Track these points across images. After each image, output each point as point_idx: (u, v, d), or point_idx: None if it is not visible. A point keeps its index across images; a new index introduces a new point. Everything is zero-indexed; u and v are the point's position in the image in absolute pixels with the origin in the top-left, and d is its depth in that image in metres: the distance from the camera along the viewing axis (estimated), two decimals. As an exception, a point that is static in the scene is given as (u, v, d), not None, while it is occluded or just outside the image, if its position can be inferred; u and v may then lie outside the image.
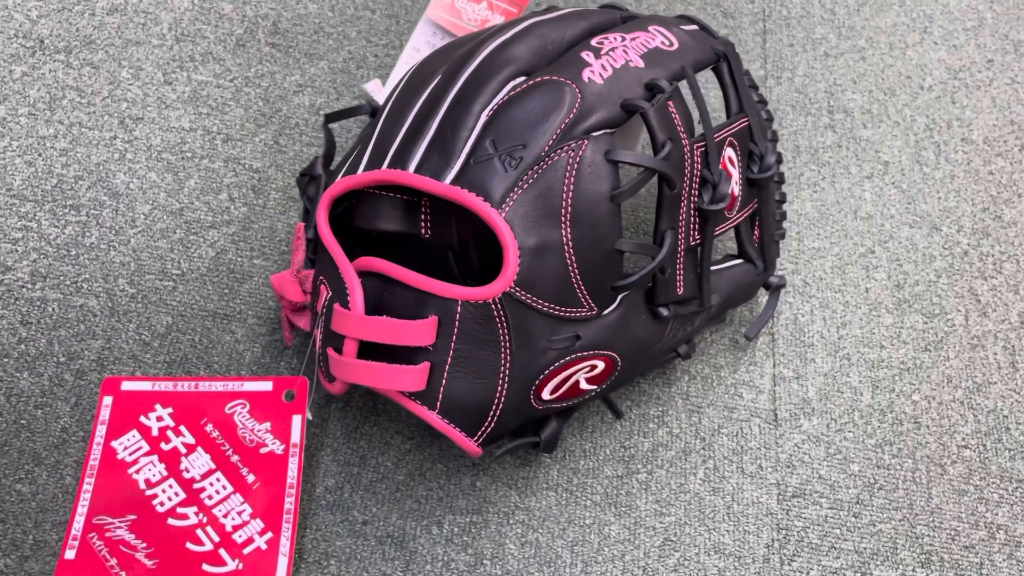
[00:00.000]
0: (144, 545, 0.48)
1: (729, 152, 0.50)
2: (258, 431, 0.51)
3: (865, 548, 0.52)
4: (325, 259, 0.47)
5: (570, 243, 0.43)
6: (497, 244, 0.54)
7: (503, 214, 0.42)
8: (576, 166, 0.43)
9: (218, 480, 0.49)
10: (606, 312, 0.46)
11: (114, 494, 0.49)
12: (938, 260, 0.62)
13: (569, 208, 0.43)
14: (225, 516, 0.48)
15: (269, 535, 0.48)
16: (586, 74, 0.45)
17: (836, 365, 0.57)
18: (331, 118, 0.55)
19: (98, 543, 0.48)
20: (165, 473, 0.50)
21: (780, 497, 0.53)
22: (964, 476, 0.54)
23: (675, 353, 0.53)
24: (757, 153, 0.52)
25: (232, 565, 0.47)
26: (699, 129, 0.67)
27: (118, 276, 0.58)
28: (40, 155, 0.62)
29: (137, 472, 0.50)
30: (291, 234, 0.60)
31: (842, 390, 0.57)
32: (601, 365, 0.47)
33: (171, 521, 0.48)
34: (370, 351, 0.45)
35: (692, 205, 0.47)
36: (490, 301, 0.43)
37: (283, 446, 0.50)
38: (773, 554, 0.51)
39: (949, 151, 0.67)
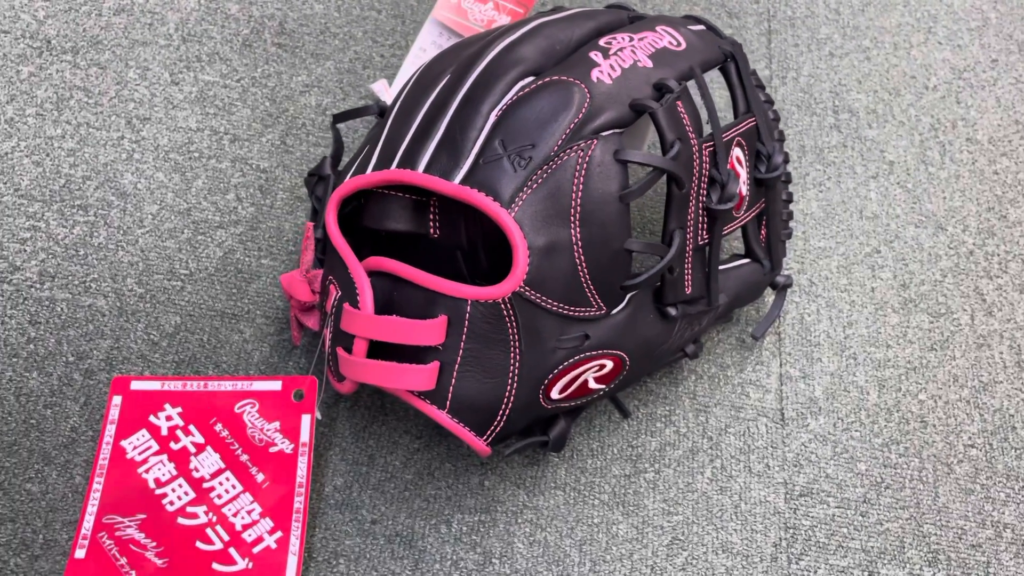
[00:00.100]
0: (154, 544, 0.48)
1: (737, 152, 0.50)
2: (267, 430, 0.51)
3: (872, 547, 0.52)
4: (334, 259, 0.47)
5: (579, 243, 0.43)
6: (506, 244, 0.54)
7: (512, 214, 0.42)
8: (585, 166, 0.43)
9: (227, 479, 0.50)
10: (615, 312, 0.46)
11: (124, 493, 0.49)
12: (944, 260, 0.62)
13: (578, 208, 0.43)
14: (235, 515, 0.49)
15: (279, 534, 0.48)
16: (595, 74, 0.45)
17: (842, 364, 0.58)
18: (339, 118, 0.55)
19: (108, 542, 0.48)
20: (175, 472, 0.50)
21: (787, 496, 0.53)
22: (971, 475, 0.54)
23: (682, 353, 0.53)
24: (764, 153, 0.52)
25: (242, 564, 0.47)
26: (707, 129, 0.67)
27: (126, 276, 0.58)
28: (48, 155, 0.62)
29: (147, 471, 0.50)
30: (298, 234, 0.60)
31: (849, 389, 0.57)
32: (609, 364, 0.47)
33: (181, 520, 0.48)
34: (380, 350, 0.45)
35: (700, 205, 0.48)
36: (500, 301, 0.43)
37: (292, 445, 0.50)
38: (781, 553, 0.51)
39: (954, 151, 0.67)
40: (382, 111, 0.54)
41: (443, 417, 0.45)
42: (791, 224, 0.62)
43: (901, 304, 0.60)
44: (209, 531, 0.48)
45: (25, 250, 0.58)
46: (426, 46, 0.66)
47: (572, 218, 0.43)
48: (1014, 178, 0.66)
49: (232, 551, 0.48)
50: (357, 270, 0.45)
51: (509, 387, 0.45)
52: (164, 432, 0.51)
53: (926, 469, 0.54)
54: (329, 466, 0.52)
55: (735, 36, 0.72)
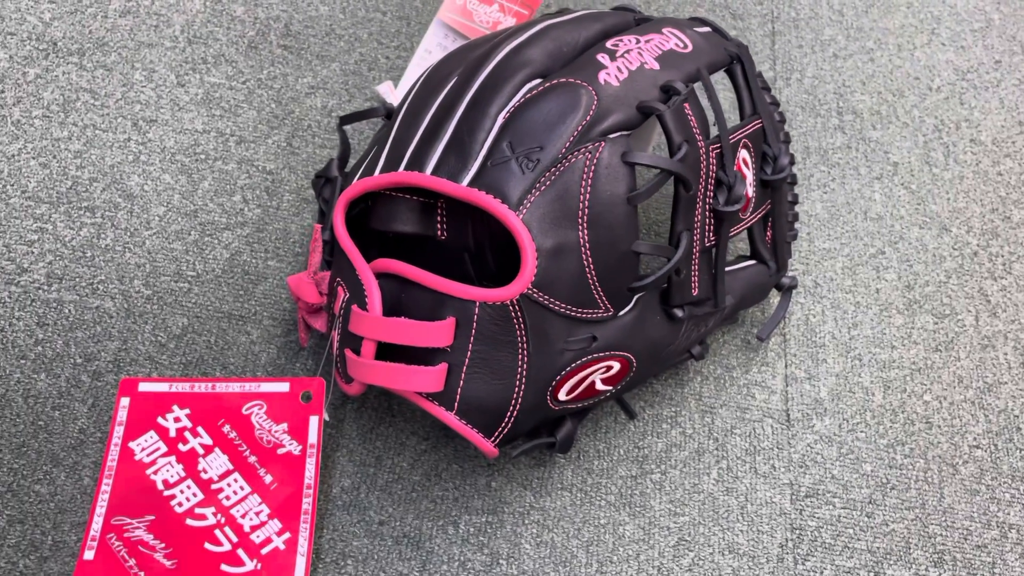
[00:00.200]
0: (162, 545, 0.48)
1: (743, 154, 0.50)
2: (275, 432, 0.51)
3: (878, 547, 0.52)
4: (342, 261, 0.47)
5: (587, 244, 0.43)
6: (513, 245, 0.54)
7: (521, 216, 0.42)
8: (593, 168, 0.43)
9: (236, 481, 0.50)
10: (622, 313, 0.46)
11: (132, 495, 0.49)
12: (948, 261, 0.62)
13: (586, 210, 0.43)
14: (243, 516, 0.49)
15: (287, 535, 0.48)
16: (602, 76, 0.45)
17: (848, 365, 0.58)
18: (346, 120, 0.55)
19: (117, 544, 0.48)
20: (183, 474, 0.50)
21: (793, 497, 0.53)
22: (976, 476, 0.54)
23: (688, 354, 0.53)
24: (771, 155, 0.52)
25: (250, 565, 0.47)
26: (714, 131, 0.68)
27: (133, 278, 0.58)
28: (55, 157, 0.62)
29: (155, 473, 0.50)
30: (305, 236, 0.60)
31: (854, 390, 0.57)
32: (617, 366, 0.48)
33: (189, 521, 0.49)
34: (388, 352, 0.45)
35: (707, 206, 0.48)
36: (508, 302, 0.43)
37: (300, 447, 0.51)
38: (787, 554, 0.51)
39: (958, 152, 0.67)
40: (389, 113, 0.54)
41: (451, 419, 0.45)
42: (796, 225, 0.63)
43: (906, 305, 0.60)
44: (218, 532, 0.48)
45: (32, 252, 0.58)
46: (431, 48, 0.67)
47: (580, 220, 0.43)
48: (1018, 179, 0.66)
49: (240, 552, 0.48)
50: (365, 272, 0.45)
51: (517, 388, 0.45)
52: (172, 434, 0.51)
53: (931, 470, 0.54)
54: (336, 467, 0.53)
55: (739, 38, 0.72)
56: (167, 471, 0.50)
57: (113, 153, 0.63)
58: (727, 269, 0.53)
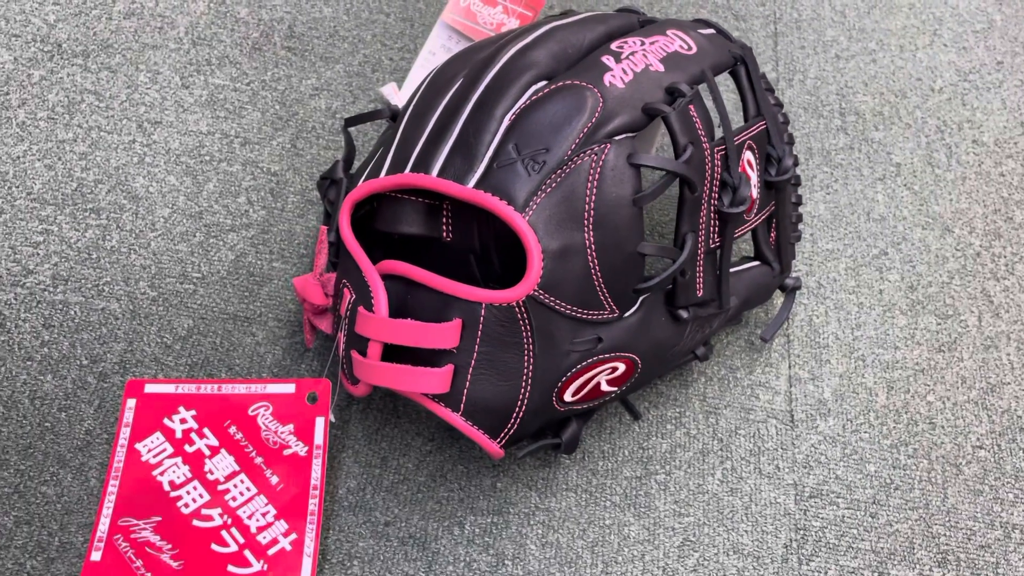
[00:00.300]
0: (169, 546, 0.48)
1: (748, 155, 0.50)
2: (281, 433, 0.51)
3: (882, 548, 0.52)
4: (348, 262, 0.48)
5: (593, 246, 0.43)
6: (518, 247, 0.54)
7: (527, 218, 0.42)
8: (599, 170, 0.43)
9: (242, 482, 0.50)
10: (627, 315, 0.46)
11: (139, 496, 0.49)
12: (951, 261, 0.62)
13: (592, 212, 0.43)
14: (249, 517, 0.49)
15: (293, 536, 0.48)
16: (607, 78, 0.46)
17: (851, 366, 0.58)
18: (351, 122, 0.55)
19: (123, 544, 0.48)
20: (189, 475, 0.50)
21: (797, 497, 0.53)
22: (979, 476, 0.55)
23: (693, 355, 0.53)
24: (775, 156, 0.52)
25: (257, 566, 0.48)
26: (718, 133, 0.68)
27: (139, 279, 0.58)
28: (60, 159, 0.62)
29: (161, 474, 0.50)
30: (309, 237, 0.61)
31: (857, 391, 0.57)
32: (622, 367, 0.48)
33: (196, 522, 0.49)
34: (394, 354, 0.45)
35: (712, 208, 0.48)
36: (514, 304, 0.43)
37: (306, 448, 0.51)
38: (791, 554, 0.52)
39: (960, 153, 0.67)
40: (394, 115, 0.54)
41: (457, 420, 0.46)
42: (800, 227, 0.63)
43: (909, 306, 0.60)
44: (224, 533, 0.48)
45: (38, 253, 0.59)
46: (435, 49, 0.67)
47: (586, 222, 0.43)
48: (1020, 180, 0.66)
49: (247, 553, 0.48)
50: (371, 273, 0.46)
51: (523, 390, 0.45)
52: (178, 435, 0.51)
53: (935, 470, 0.55)
54: (342, 468, 0.53)
55: (741, 39, 0.72)
56: (173, 472, 0.50)
57: (118, 155, 0.63)
58: (731, 270, 0.53)
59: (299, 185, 0.63)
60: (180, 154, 0.63)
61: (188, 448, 0.51)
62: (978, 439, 0.56)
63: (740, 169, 0.49)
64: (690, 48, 0.50)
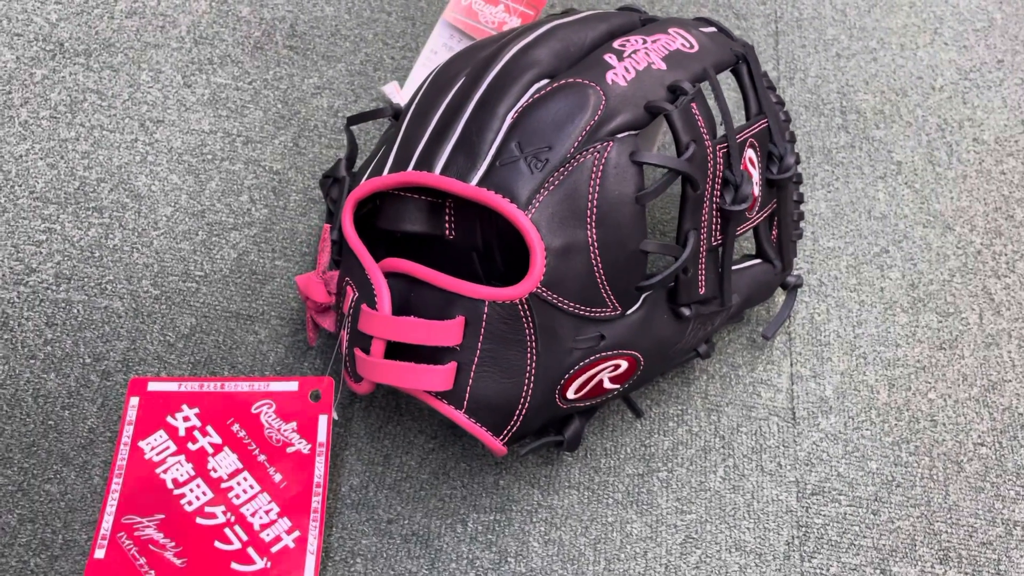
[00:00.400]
0: (173, 544, 0.48)
1: (750, 153, 0.50)
2: (284, 431, 0.51)
3: (884, 545, 0.52)
4: (351, 260, 0.48)
5: (595, 244, 0.43)
6: (521, 244, 0.54)
7: (529, 215, 0.42)
8: (602, 167, 0.43)
9: (245, 479, 0.50)
10: (629, 312, 0.46)
11: (142, 494, 0.49)
12: (952, 259, 0.63)
13: (595, 209, 0.43)
14: (253, 515, 0.49)
15: (296, 533, 0.49)
16: (609, 76, 0.46)
17: (853, 364, 0.58)
18: (353, 121, 0.55)
19: (127, 542, 0.48)
20: (192, 473, 0.50)
21: (799, 495, 0.53)
22: (981, 473, 0.55)
23: (695, 352, 0.53)
24: (776, 154, 0.52)
25: (260, 563, 0.48)
26: (720, 130, 0.68)
27: (142, 278, 0.58)
28: (62, 158, 0.62)
29: (165, 472, 0.50)
30: (311, 235, 0.61)
31: (859, 388, 0.57)
32: (624, 364, 0.48)
33: (199, 520, 0.49)
34: (397, 351, 0.46)
35: (714, 206, 0.48)
36: (517, 301, 0.43)
37: (309, 445, 0.51)
38: (793, 551, 0.52)
39: (961, 151, 0.68)
40: (396, 113, 0.55)
41: (460, 417, 0.46)
42: (801, 224, 0.63)
43: (910, 304, 0.61)
44: (227, 531, 0.49)
45: (41, 252, 0.59)
46: (437, 48, 0.67)
47: (588, 219, 0.43)
48: (1021, 178, 0.66)
49: (250, 551, 0.48)
50: (374, 271, 0.46)
51: (526, 387, 0.45)
52: (181, 433, 0.51)
53: (937, 467, 0.55)
54: (345, 466, 0.53)
55: (743, 38, 0.72)
56: (177, 470, 0.50)
57: (120, 154, 0.63)
58: (733, 268, 0.53)
59: (301, 183, 0.63)
60: (182, 153, 0.63)
61: (191, 446, 0.51)
62: (979, 436, 0.56)
63: (742, 167, 0.49)
64: (692, 46, 0.50)
